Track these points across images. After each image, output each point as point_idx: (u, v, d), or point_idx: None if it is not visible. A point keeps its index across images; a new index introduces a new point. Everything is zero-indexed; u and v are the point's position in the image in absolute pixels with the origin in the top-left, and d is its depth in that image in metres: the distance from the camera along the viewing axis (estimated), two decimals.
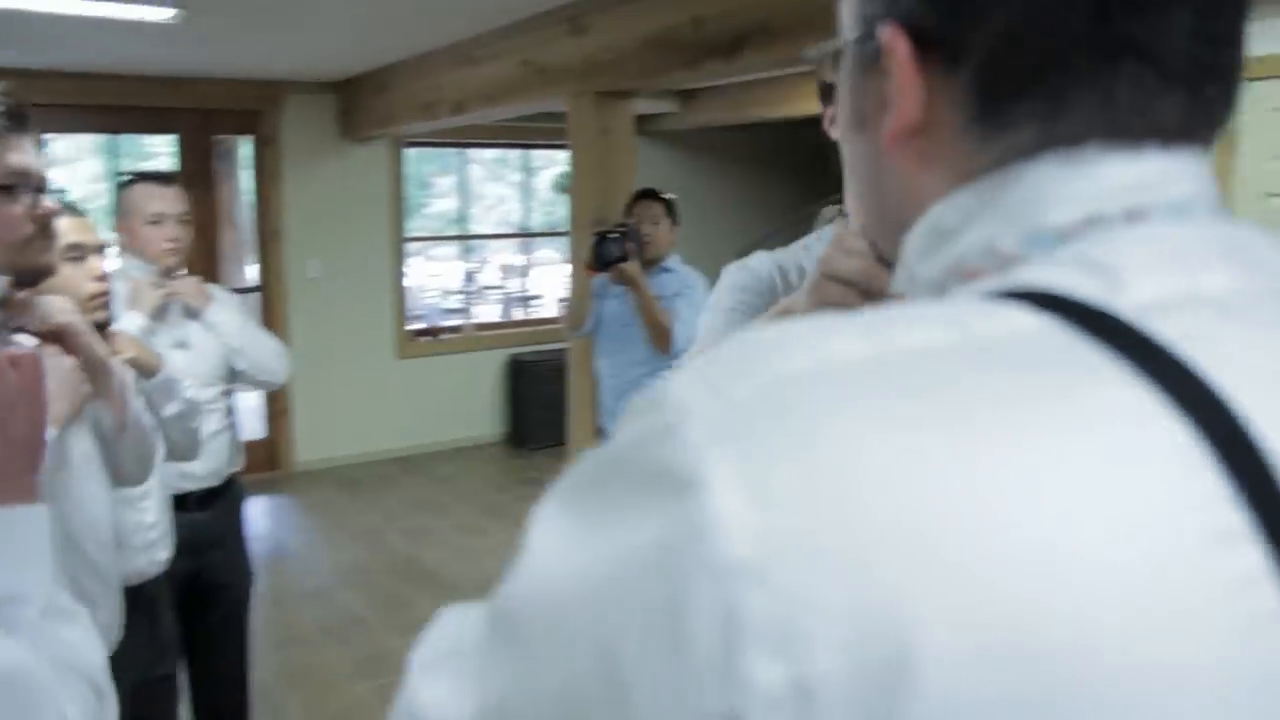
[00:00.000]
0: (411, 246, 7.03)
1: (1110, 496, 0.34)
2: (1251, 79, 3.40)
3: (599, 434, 3.78)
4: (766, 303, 1.30)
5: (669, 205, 3.60)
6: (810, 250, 1.35)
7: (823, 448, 0.35)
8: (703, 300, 3.52)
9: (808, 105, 5.76)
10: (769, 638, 0.34)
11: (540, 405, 6.76)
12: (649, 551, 0.36)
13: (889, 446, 0.35)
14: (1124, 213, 0.44)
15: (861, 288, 0.75)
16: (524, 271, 7.93)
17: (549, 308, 7.73)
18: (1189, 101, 0.45)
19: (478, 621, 0.45)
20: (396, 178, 6.62)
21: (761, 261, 1.35)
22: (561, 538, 0.41)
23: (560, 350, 6.99)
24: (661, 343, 3.41)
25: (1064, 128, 0.45)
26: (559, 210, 7.74)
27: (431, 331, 7.05)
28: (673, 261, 3.59)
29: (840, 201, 3.92)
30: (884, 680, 0.33)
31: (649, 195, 3.59)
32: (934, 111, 0.48)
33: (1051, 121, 0.45)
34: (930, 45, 0.48)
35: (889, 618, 0.33)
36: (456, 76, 4.69)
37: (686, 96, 6.51)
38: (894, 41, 0.49)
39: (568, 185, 4.28)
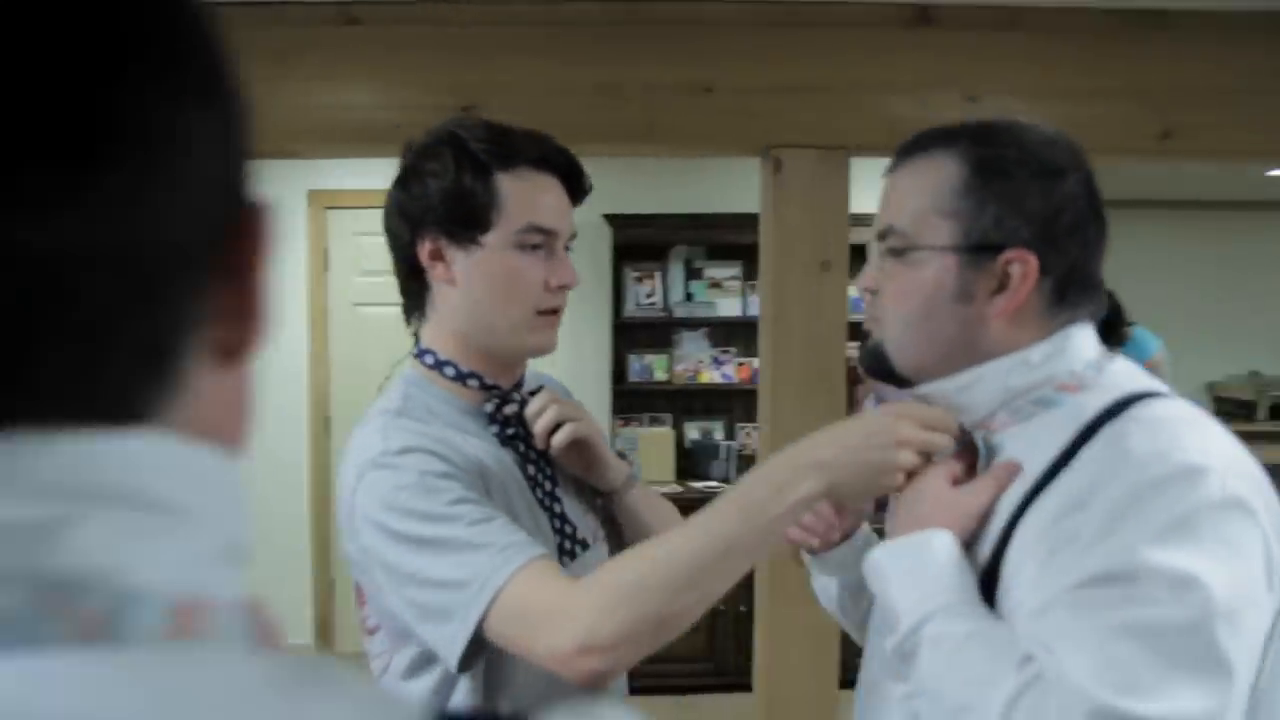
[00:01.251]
0: None
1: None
2: (337, 207, 4.61)
3: None
4: (479, 470, 1.15)
5: None
6: (441, 413, 1.19)
7: (1253, 473, 0.86)
8: None
9: None
10: None
11: None
12: (1253, 541, 0.81)
13: (1251, 458, 0.88)
14: (1106, 354, 0.97)
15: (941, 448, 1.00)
16: None
17: None
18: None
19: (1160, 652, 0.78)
20: None
21: (436, 443, 1.12)
22: (1210, 559, 0.79)
23: None
24: None
25: (1091, 311, 0.96)
26: None
27: None
28: None
29: None
30: None
31: None
32: (1028, 297, 0.93)
33: (1091, 308, 0.96)
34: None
35: None
36: None
37: None
38: (1027, 260, 0.92)
39: None
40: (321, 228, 4.64)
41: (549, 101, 2.51)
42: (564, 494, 1.28)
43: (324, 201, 4.62)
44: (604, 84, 2.52)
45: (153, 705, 0.30)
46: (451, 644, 1.05)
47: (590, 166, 1.23)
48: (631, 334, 4.77)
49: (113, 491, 0.32)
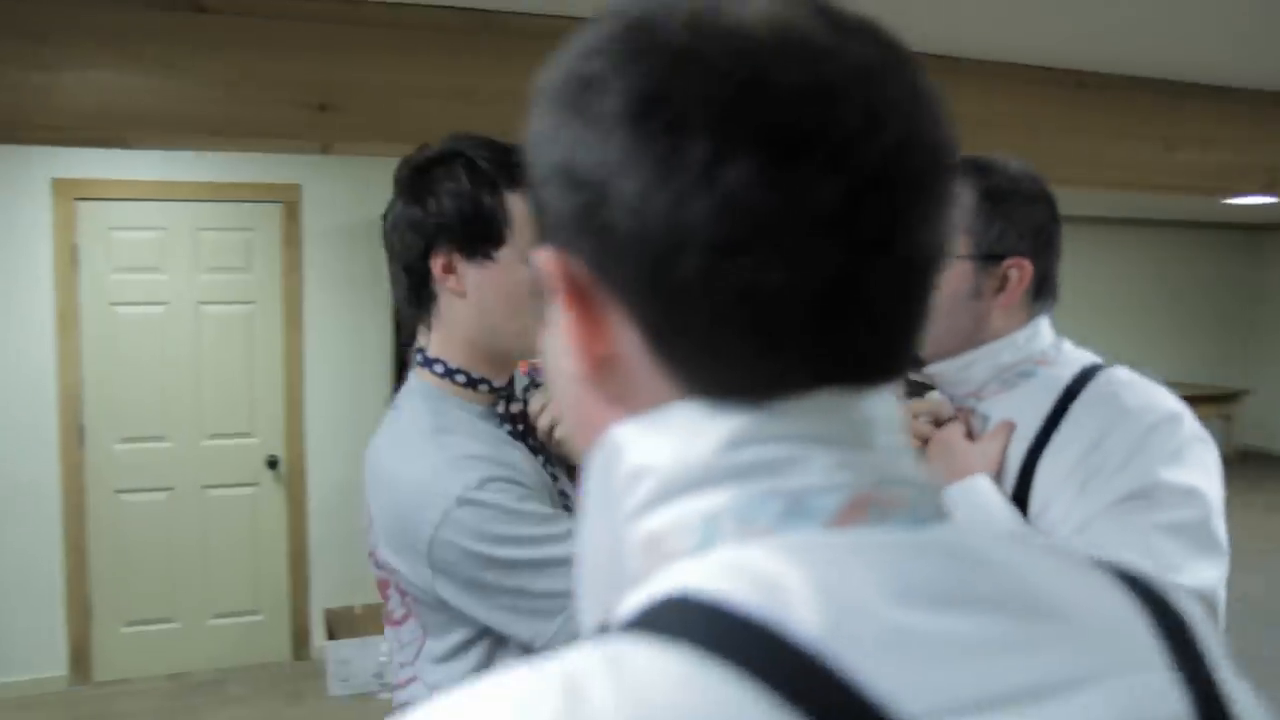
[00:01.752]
0: None
1: None
2: (87, 198, 4.24)
3: None
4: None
5: None
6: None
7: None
8: None
9: None
10: None
11: None
12: (1216, 462, 1.11)
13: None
14: (1058, 337, 1.25)
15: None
16: None
17: None
18: None
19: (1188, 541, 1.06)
20: None
21: (502, 467, 1.22)
22: (1200, 476, 1.07)
23: None
24: None
25: (1049, 306, 1.25)
26: None
27: None
28: None
29: None
30: None
31: None
32: (1020, 294, 1.21)
33: (1050, 303, 1.24)
34: None
35: None
36: None
37: None
38: (1023, 266, 1.18)
39: None
40: (69, 220, 4.21)
41: (403, 103, 2.54)
42: (565, 486, 1.35)
43: (72, 192, 4.22)
44: (457, 88, 2.58)
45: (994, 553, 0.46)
46: (547, 637, 1.15)
47: None
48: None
49: (891, 426, 0.47)
